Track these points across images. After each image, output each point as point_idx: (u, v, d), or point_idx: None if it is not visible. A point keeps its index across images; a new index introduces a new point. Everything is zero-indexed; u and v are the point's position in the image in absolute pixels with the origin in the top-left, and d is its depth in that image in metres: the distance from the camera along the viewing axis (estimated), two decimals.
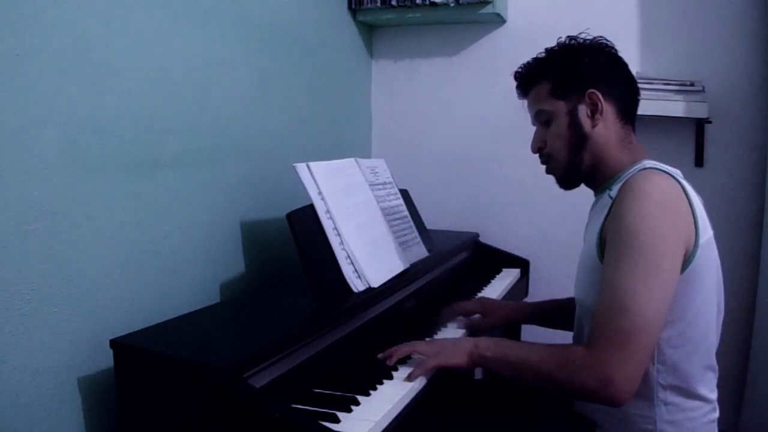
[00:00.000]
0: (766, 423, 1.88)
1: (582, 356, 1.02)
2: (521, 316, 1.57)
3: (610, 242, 1.06)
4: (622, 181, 1.11)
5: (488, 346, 1.15)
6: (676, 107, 1.94)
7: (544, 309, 1.55)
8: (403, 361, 1.19)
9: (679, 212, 1.04)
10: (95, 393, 1.16)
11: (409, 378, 1.12)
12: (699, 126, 2.02)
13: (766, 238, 1.94)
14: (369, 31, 2.36)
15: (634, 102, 1.24)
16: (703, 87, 1.95)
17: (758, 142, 1.99)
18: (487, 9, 2.06)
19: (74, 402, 1.13)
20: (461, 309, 1.52)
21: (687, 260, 1.03)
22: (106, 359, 1.10)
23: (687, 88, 1.95)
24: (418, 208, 1.83)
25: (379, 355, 1.19)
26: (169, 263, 1.35)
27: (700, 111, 1.93)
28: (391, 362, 1.16)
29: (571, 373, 1.02)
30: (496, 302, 1.58)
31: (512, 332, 1.96)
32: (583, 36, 1.24)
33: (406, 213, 1.67)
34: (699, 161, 2.04)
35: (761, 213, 1.98)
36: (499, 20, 2.19)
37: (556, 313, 1.50)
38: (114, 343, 1.06)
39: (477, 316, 1.52)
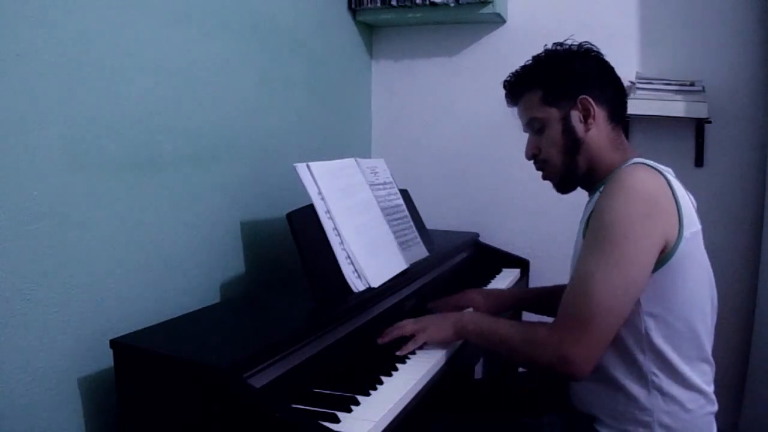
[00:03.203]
0: (766, 423, 1.88)
1: (543, 334, 1.08)
2: (507, 304, 1.59)
3: (589, 230, 1.10)
4: None
5: (471, 320, 1.23)
6: (676, 107, 1.94)
7: (529, 297, 1.60)
8: (403, 360, 1.20)
9: (659, 204, 1.06)
10: (95, 393, 1.16)
11: (401, 352, 1.21)
12: (699, 126, 2.02)
13: (765, 238, 1.94)
14: (369, 31, 2.36)
15: (623, 104, 1.27)
16: (703, 87, 1.95)
17: (758, 142, 1.99)
18: (487, 9, 2.06)
19: (74, 402, 1.13)
20: (447, 304, 1.53)
21: (669, 252, 1.06)
22: (106, 359, 1.10)
23: (687, 88, 1.95)
24: (418, 208, 1.83)
25: (379, 340, 1.25)
26: (169, 263, 1.35)
27: (700, 111, 1.93)
28: (382, 341, 1.25)
29: (533, 349, 1.09)
30: (480, 294, 1.58)
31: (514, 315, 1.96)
32: (569, 42, 1.26)
33: (406, 213, 1.67)
34: (699, 161, 2.04)
35: (761, 213, 1.98)
36: (499, 20, 2.19)
37: (542, 302, 1.54)
38: (114, 343, 1.06)
39: (469, 309, 1.52)
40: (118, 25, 1.21)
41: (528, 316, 1.88)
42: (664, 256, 1.05)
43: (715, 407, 1.15)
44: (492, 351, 1.20)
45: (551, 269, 2.15)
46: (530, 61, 1.28)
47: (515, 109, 1.33)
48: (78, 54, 1.12)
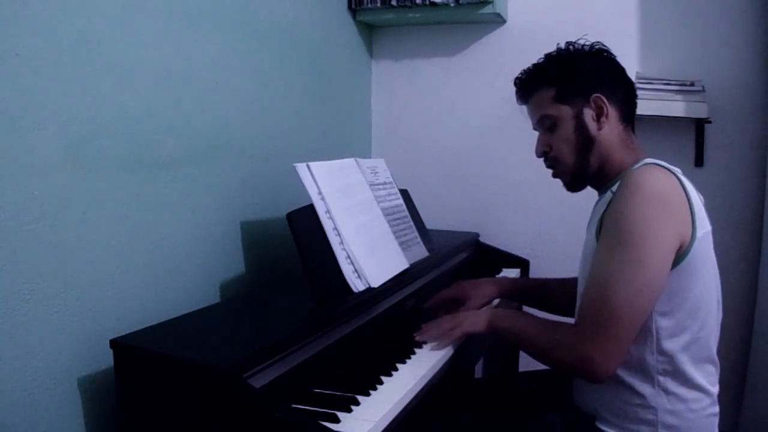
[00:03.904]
0: (766, 423, 1.88)
1: (566, 334, 1.10)
2: (503, 294, 1.57)
3: (603, 232, 1.10)
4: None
5: (503, 315, 1.26)
6: (676, 107, 1.94)
7: (522, 288, 1.58)
8: (403, 360, 1.20)
9: (674, 205, 1.07)
10: (95, 393, 1.16)
11: (437, 347, 1.26)
12: (699, 126, 2.01)
13: (766, 238, 1.94)
14: (369, 31, 2.36)
15: (634, 105, 1.27)
16: (703, 87, 1.95)
17: (758, 142, 1.99)
18: (487, 9, 2.06)
19: (74, 402, 1.13)
20: (440, 299, 1.53)
21: (683, 252, 1.06)
22: (106, 359, 1.10)
23: (687, 88, 1.95)
24: (418, 208, 1.83)
25: (416, 335, 1.29)
26: (169, 263, 1.35)
27: (700, 111, 1.93)
28: (420, 337, 1.28)
29: (557, 349, 1.10)
30: (471, 284, 1.55)
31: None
32: (581, 42, 1.26)
33: (406, 213, 1.67)
34: (699, 161, 2.04)
35: (761, 213, 1.98)
36: (499, 20, 2.19)
37: (536, 294, 1.54)
38: (114, 343, 1.06)
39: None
40: (118, 25, 1.21)
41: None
42: (678, 257, 1.06)
43: (717, 409, 1.15)
44: (522, 349, 1.23)
45: (551, 269, 2.15)
46: (543, 60, 1.28)
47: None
48: (78, 54, 1.12)
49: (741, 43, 1.98)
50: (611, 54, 1.26)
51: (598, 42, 1.26)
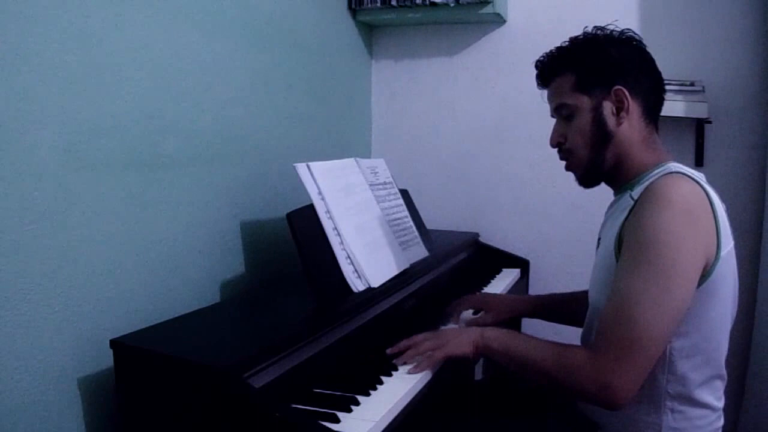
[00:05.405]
0: (766, 423, 1.88)
1: (583, 359, 1.01)
2: (524, 310, 1.56)
3: (626, 247, 1.03)
4: (646, 183, 1.08)
5: (495, 336, 1.15)
6: (676, 107, 1.94)
7: (548, 303, 1.55)
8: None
9: (701, 222, 1.01)
10: (95, 393, 1.16)
11: (416, 370, 1.14)
12: (699, 126, 2.01)
13: (766, 238, 1.94)
14: (369, 31, 2.36)
15: (660, 101, 1.19)
16: (703, 87, 1.95)
17: (758, 142, 1.99)
18: (487, 9, 2.06)
19: (74, 402, 1.13)
20: (464, 304, 1.52)
21: (706, 273, 1.01)
22: (106, 359, 1.11)
23: (687, 88, 1.95)
24: (418, 208, 1.83)
25: (389, 350, 1.20)
26: (169, 263, 1.35)
27: (700, 111, 1.93)
28: (399, 362, 1.18)
29: (570, 375, 1.02)
30: (497, 297, 1.56)
31: (512, 325, 1.96)
32: (610, 27, 1.19)
33: (406, 213, 1.67)
34: (699, 161, 2.04)
35: (761, 213, 1.98)
36: (499, 20, 2.19)
37: (561, 309, 1.50)
38: (114, 343, 1.06)
39: (480, 313, 1.51)
40: (117, 25, 1.21)
41: (529, 324, 1.87)
42: (701, 277, 1.01)
43: (722, 421, 1.12)
44: (518, 372, 1.12)
45: (551, 269, 2.16)
46: (567, 43, 1.20)
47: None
48: (78, 54, 1.12)
49: (741, 43, 1.98)
50: (641, 43, 1.17)
51: (628, 29, 1.18)
